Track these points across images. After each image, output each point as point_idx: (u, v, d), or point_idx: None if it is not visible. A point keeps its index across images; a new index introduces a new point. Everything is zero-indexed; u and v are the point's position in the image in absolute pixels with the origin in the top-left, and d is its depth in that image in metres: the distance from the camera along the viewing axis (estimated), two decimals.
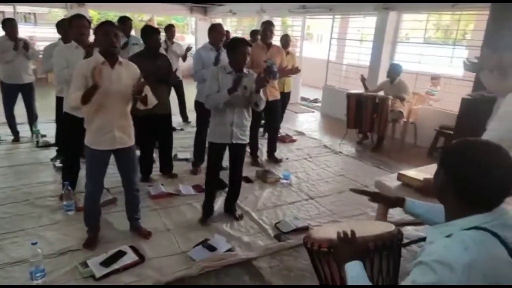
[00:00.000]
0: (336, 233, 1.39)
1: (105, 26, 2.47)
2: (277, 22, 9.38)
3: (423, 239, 1.66)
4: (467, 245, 0.97)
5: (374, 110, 5.18)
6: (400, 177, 2.28)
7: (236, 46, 2.81)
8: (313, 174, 4.37)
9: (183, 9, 12.13)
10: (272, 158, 4.67)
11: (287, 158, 4.83)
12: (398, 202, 1.58)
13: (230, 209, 3.28)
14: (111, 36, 2.42)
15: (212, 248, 2.72)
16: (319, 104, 8.11)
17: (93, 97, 2.32)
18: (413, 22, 6.14)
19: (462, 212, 1.05)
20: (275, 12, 9.17)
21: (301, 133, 6.00)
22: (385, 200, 1.65)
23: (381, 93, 5.46)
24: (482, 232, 0.99)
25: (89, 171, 2.62)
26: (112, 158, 2.67)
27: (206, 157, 3.36)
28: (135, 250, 2.67)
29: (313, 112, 7.71)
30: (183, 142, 5.10)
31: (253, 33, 6.07)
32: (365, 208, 3.53)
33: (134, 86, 2.44)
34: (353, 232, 1.36)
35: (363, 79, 5.56)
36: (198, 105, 4.08)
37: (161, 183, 3.79)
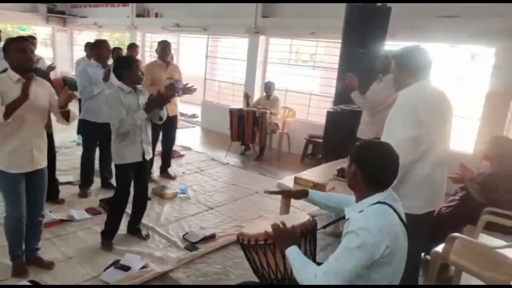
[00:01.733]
0: (270, 226, 1.65)
1: (21, 42, 2.35)
2: (148, 38, 9.38)
3: (331, 223, 2.06)
4: (377, 214, 1.37)
5: (254, 123, 5.72)
6: (296, 180, 2.70)
7: (132, 65, 2.88)
8: (208, 186, 4.59)
9: (37, 18, 10.93)
10: (166, 174, 4.71)
11: (183, 173, 4.92)
12: (303, 193, 1.98)
13: (135, 229, 3.23)
14: (28, 52, 2.32)
15: (125, 268, 2.68)
16: (198, 119, 8.37)
17: (15, 111, 2.20)
18: (280, 46, 6.99)
19: (367, 193, 1.46)
20: (148, 29, 9.14)
21: (187, 148, 6.14)
22: (293, 194, 2.07)
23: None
24: (383, 205, 1.41)
25: (10, 198, 2.42)
26: None
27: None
28: (37, 285, 2.44)
29: (193, 127, 7.93)
30: (59, 165, 4.68)
31: (131, 46, 6.00)
32: (260, 211, 3.93)
33: (60, 98, 2.38)
34: (283, 223, 1.65)
35: (247, 96, 6.06)
36: (85, 124, 3.89)
37: (48, 210, 3.45)
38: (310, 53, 6.55)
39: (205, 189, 4.47)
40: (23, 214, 2.47)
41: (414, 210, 2.07)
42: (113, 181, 4.20)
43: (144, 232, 3.24)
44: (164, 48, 4.44)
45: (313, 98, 6.48)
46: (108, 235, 3.04)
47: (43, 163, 2.53)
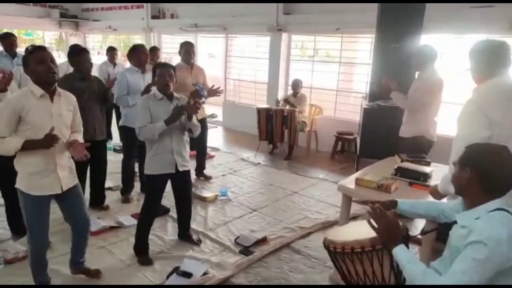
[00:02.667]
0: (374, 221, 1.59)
1: (39, 52, 2.14)
2: (166, 39, 9.33)
3: (432, 230, 1.97)
4: (501, 222, 1.32)
5: (283, 122, 5.68)
6: (358, 182, 2.65)
7: (159, 69, 2.78)
8: (245, 187, 4.56)
9: (50, 23, 10.92)
10: (202, 175, 4.69)
11: (223, 175, 4.88)
12: (393, 203, 1.86)
13: (186, 235, 3.21)
14: (48, 63, 2.13)
15: (188, 275, 2.66)
16: (218, 119, 8.33)
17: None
18: (301, 43, 6.92)
19: (483, 200, 1.40)
20: (163, 30, 9.10)
21: (216, 149, 6.12)
22: (383, 204, 1.84)
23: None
24: (503, 212, 1.36)
25: (32, 224, 2.27)
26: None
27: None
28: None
29: (216, 127, 7.91)
30: None
31: (152, 49, 5.97)
32: (304, 211, 3.90)
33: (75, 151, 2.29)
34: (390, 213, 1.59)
35: (277, 102, 6.02)
36: (125, 130, 3.87)
37: (96, 217, 3.45)
38: (333, 49, 6.47)
39: (244, 191, 4.44)
40: (44, 244, 2.38)
41: None
42: None
43: (195, 237, 3.23)
44: (187, 50, 4.34)
45: (340, 94, 6.41)
46: (140, 250, 2.94)
47: (71, 182, 2.36)
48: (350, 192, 2.65)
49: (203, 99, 4.05)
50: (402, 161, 3.18)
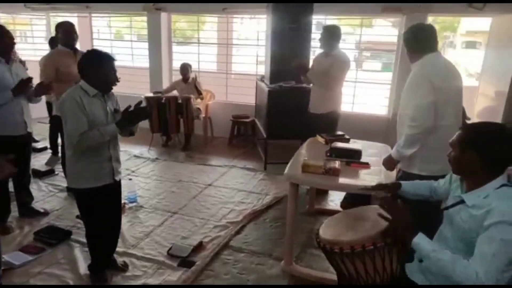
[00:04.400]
0: (378, 214, 1.50)
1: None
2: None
3: None
4: None
5: (178, 110, 5.24)
6: (305, 168, 2.53)
7: (103, 61, 2.21)
8: (152, 188, 4.05)
9: None
10: None
11: (130, 179, 4.19)
12: (398, 185, 1.84)
13: (111, 261, 2.62)
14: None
15: None
16: None
17: None
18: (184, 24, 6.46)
19: (488, 178, 1.41)
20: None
21: None
22: (389, 187, 1.84)
23: (175, 92, 5.58)
24: (509, 188, 1.40)
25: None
26: None
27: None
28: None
29: None
30: None
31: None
32: (227, 204, 3.68)
33: None
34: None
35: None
36: None
37: None
38: (220, 30, 6.23)
39: (153, 192, 3.94)
40: None
41: (439, 172, 2.21)
42: (35, 205, 3.39)
43: (120, 261, 2.67)
44: (68, 31, 3.52)
45: (230, 77, 6.25)
46: (99, 267, 2.51)
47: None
48: (298, 180, 2.55)
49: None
50: (326, 141, 3.24)
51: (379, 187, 1.85)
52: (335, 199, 3.86)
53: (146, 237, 3.06)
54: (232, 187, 4.11)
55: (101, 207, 2.35)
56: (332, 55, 3.70)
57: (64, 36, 3.49)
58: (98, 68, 2.17)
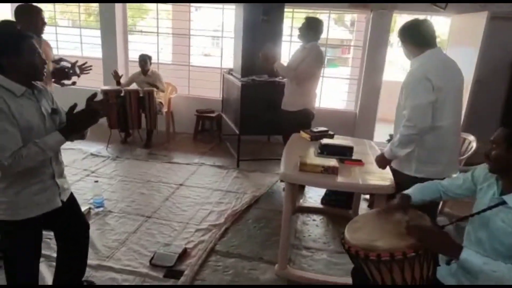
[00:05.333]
0: (407, 229, 1.42)
1: None
2: None
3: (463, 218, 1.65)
4: None
5: (139, 104, 4.86)
6: (302, 167, 2.40)
7: (20, 42, 1.61)
8: (119, 190, 3.69)
9: None
10: None
11: (96, 181, 3.73)
12: (405, 200, 1.72)
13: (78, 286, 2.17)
14: None
15: None
16: None
17: None
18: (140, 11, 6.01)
19: None
20: None
21: None
22: (400, 206, 1.70)
23: (134, 85, 5.19)
24: None
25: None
26: None
27: None
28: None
29: None
30: None
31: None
32: (206, 205, 3.45)
33: None
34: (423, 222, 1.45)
35: (116, 75, 4.99)
36: None
37: None
38: (182, 19, 5.89)
39: (120, 195, 3.59)
40: None
41: (435, 175, 2.19)
42: None
43: (87, 277, 2.30)
44: (31, 13, 2.88)
45: (193, 70, 5.94)
46: None
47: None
48: (296, 179, 2.42)
49: (72, 79, 2.98)
50: (311, 138, 3.14)
51: (390, 209, 1.74)
52: (313, 196, 3.80)
53: (122, 245, 2.75)
54: (206, 187, 3.88)
55: (35, 246, 1.82)
56: (306, 48, 3.60)
57: (27, 19, 2.94)
58: (17, 53, 1.59)
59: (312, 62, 3.54)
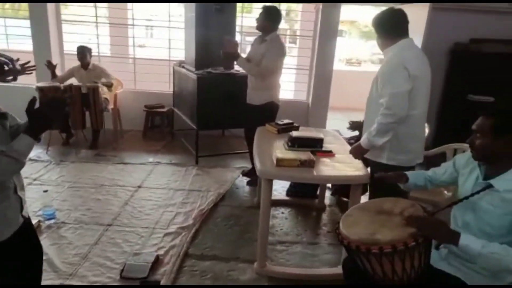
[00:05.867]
0: (408, 220, 1.45)
1: None
2: None
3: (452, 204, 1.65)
4: None
5: (83, 102, 4.46)
6: (280, 162, 2.34)
7: None
8: (69, 198, 3.36)
9: None
10: None
11: (45, 191, 3.35)
12: (401, 177, 1.83)
13: None
14: None
15: None
16: None
17: None
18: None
19: None
20: None
21: None
22: (399, 178, 1.83)
23: (72, 81, 4.74)
24: None
25: None
26: None
27: None
28: None
29: None
30: None
31: None
32: (170, 207, 3.28)
33: None
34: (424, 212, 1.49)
35: (51, 65, 4.52)
36: None
37: None
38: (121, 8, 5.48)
39: (73, 203, 3.26)
40: None
41: (406, 163, 2.28)
42: None
43: None
44: None
45: (138, 63, 5.58)
46: None
47: None
48: (274, 175, 2.38)
49: (12, 77, 2.57)
50: (278, 131, 3.10)
51: (386, 179, 1.81)
52: (277, 188, 3.78)
53: (84, 260, 2.50)
54: (166, 187, 3.68)
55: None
56: (266, 40, 3.52)
57: None
58: None
59: (274, 57, 3.46)
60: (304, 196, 3.54)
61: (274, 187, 3.72)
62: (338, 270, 2.38)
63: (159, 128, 5.34)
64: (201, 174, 4.04)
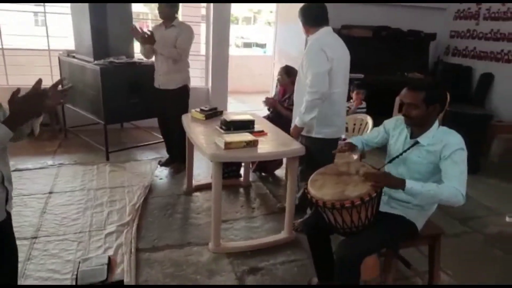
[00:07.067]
0: (365, 175, 1.81)
1: None
2: None
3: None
4: (451, 131, 1.92)
5: None
6: (228, 146, 2.44)
7: None
8: None
9: None
10: None
11: None
12: (351, 146, 2.18)
13: None
14: None
15: None
16: None
17: None
18: None
19: (433, 122, 1.91)
20: None
21: None
22: (351, 147, 2.17)
23: None
24: (441, 126, 1.96)
25: None
26: None
27: None
28: None
29: None
30: None
31: None
32: (99, 208, 3.08)
33: None
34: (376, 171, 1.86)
35: None
36: None
37: None
38: None
39: None
40: None
41: (331, 135, 2.71)
42: None
43: None
44: None
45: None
46: None
47: None
48: (224, 157, 2.53)
49: None
50: (206, 116, 3.20)
51: (341, 151, 2.15)
52: (201, 173, 3.88)
53: (23, 278, 2.23)
54: (83, 188, 3.41)
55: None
56: (174, 25, 3.53)
57: None
58: None
59: (188, 38, 3.56)
60: (229, 177, 3.73)
61: (195, 172, 3.84)
62: (282, 235, 2.75)
63: (48, 126, 4.74)
64: (117, 170, 3.84)
